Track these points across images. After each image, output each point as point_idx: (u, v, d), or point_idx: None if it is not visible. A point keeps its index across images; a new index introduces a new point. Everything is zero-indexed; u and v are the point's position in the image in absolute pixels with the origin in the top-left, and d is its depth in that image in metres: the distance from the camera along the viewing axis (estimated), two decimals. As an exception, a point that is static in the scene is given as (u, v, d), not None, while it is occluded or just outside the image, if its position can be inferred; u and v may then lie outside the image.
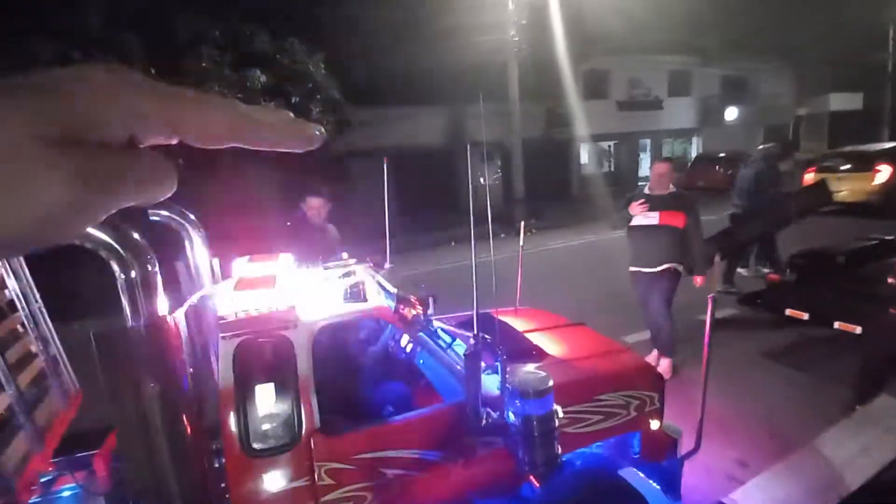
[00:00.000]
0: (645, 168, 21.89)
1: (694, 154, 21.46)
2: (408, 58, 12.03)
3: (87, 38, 7.03)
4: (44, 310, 2.64)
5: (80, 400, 2.59)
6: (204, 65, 7.92)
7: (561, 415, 2.03)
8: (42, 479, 2.30)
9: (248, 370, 1.89)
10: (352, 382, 2.49)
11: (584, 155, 19.49)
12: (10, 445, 2.08)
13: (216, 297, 1.94)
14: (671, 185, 4.15)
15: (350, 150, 11.95)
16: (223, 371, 1.86)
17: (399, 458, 2.00)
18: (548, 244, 11.02)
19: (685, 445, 2.65)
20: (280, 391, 1.92)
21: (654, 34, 16.63)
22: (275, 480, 1.86)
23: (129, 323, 1.62)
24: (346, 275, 2.35)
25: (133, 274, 1.64)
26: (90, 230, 1.64)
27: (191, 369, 1.78)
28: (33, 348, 2.52)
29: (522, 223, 4.10)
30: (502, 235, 11.61)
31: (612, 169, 21.82)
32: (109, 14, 7.47)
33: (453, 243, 11.41)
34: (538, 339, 2.90)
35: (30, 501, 2.28)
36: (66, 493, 2.43)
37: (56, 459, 2.35)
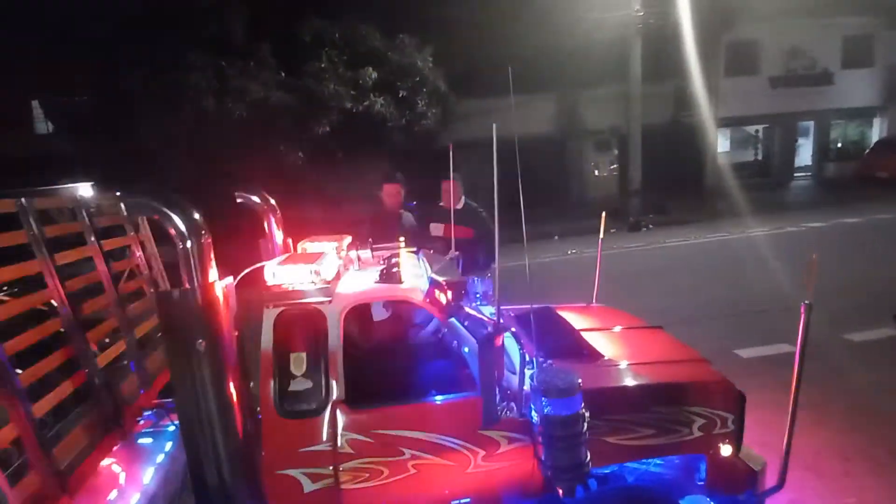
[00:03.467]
0: (805, 156, 18.36)
1: (874, 140, 17.35)
2: (519, 42, 11.65)
3: (230, 47, 8.31)
4: (164, 274, 3.19)
5: None
6: (323, 66, 8.74)
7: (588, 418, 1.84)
8: (148, 413, 2.79)
9: (285, 338, 2.07)
10: (395, 362, 2.57)
11: (724, 141, 17.03)
12: (123, 381, 2.57)
13: (266, 271, 2.15)
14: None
15: (456, 141, 12.13)
16: (264, 337, 2.06)
17: (417, 439, 2.02)
18: (664, 241, 9.96)
19: (770, 480, 2.22)
20: (311, 360, 2.06)
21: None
22: (301, 441, 2.01)
23: (184, 285, 1.89)
24: (390, 257, 2.42)
25: (189, 244, 1.90)
26: (162, 207, 1.94)
27: (235, 332, 2.00)
28: (152, 306, 3.08)
29: (604, 213, 3.76)
30: (612, 230, 10.87)
31: (760, 157, 18.79)
32: (249, 24, 8.70)
33: (556, 237, 11.00)
34: (597, 338, 2.66)
35: (142, 431, 2.80)
36: (171, 429, 2.90)
37: (161, 400, 2.83)
